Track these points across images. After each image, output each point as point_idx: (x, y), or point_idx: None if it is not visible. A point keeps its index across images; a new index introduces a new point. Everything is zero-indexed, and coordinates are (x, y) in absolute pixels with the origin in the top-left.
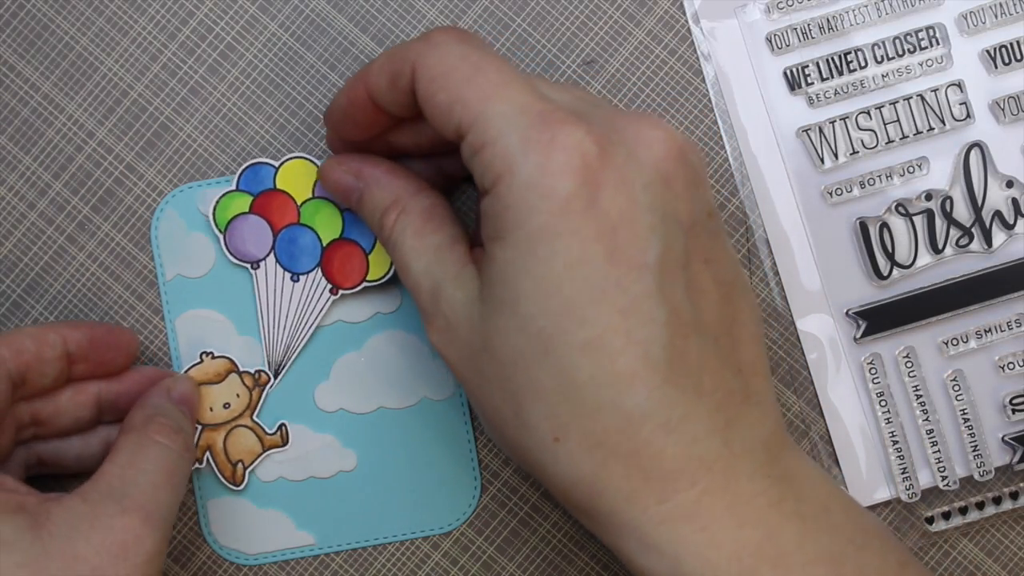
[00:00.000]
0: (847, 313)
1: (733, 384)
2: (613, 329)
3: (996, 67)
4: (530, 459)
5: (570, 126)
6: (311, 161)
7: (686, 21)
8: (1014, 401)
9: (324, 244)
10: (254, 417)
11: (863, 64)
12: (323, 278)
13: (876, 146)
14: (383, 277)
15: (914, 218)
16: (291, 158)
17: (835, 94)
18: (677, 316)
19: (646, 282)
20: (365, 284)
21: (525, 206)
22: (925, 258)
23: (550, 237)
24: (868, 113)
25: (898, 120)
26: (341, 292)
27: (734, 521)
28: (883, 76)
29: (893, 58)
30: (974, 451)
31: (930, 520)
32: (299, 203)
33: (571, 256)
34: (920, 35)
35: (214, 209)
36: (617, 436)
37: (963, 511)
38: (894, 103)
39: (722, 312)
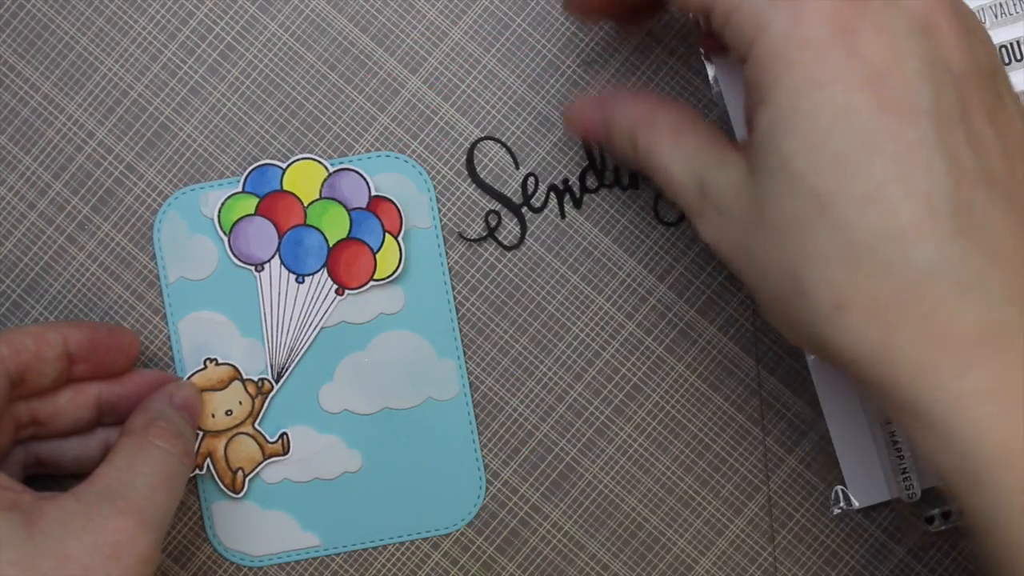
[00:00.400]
0: None
1: None
2: (891, 179)
3: None
4: (813, 334)
5: None
6: (319, 162)
7: (686, 20)
8: None
9: (331, 245)
10: (256, 425)
11: None
12: (328, 279)
13: None
14: (391, 275)
15: None
16: (298, 159)
17: None
18: (959, 165)
19: (921, 128)
20: (372, 283)
21: (782, 62)
22: None
23: (812, 88)
24: None
25: None
26: (347, 292)
27: None
28: None
29: None
30: None
31: (930, 520)
32: (306, 204)
33: (837, 106)
34: None
35: (219, 211)
36: (906, 297)
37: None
38: None
39: (1013, 171)
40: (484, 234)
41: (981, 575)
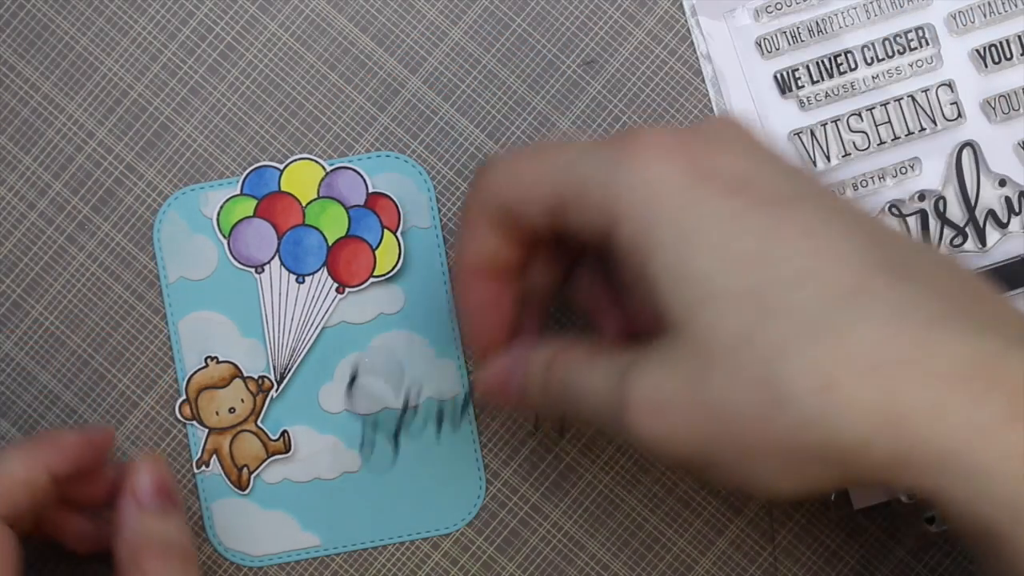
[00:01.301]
0: None
1: (969, 286)
2: (810, 253)
3: (986, 66)
4: (813, 443)
5: (641, 131)
6: (316, 162)
7: (686, 21)
8: None
9: (330, 243)
10: (258, 423)
11: (853, 66)
12: (328, 278)
13: (868, 148)
14: (391, 271)
15: (908, 219)
16: (296, 160)
17: (826, 97)
18: (857, 227)
19: (806, 207)
20: (372, 280)
21: (649, 202)
22: None
23: (689, 207)
24: (859, 115)
25: (889, 121)
26: (348, 291)
27: None
28: (873, 78)
29: (883, 59)
30: None
31: (930, 520)
32: (304, 204)
33: (721, 214)
34: (909, 36)
35: (218, 214)
36: (886, 348)
37: None
38: (885, 104)
39: (900, 235)
40: None
41: None
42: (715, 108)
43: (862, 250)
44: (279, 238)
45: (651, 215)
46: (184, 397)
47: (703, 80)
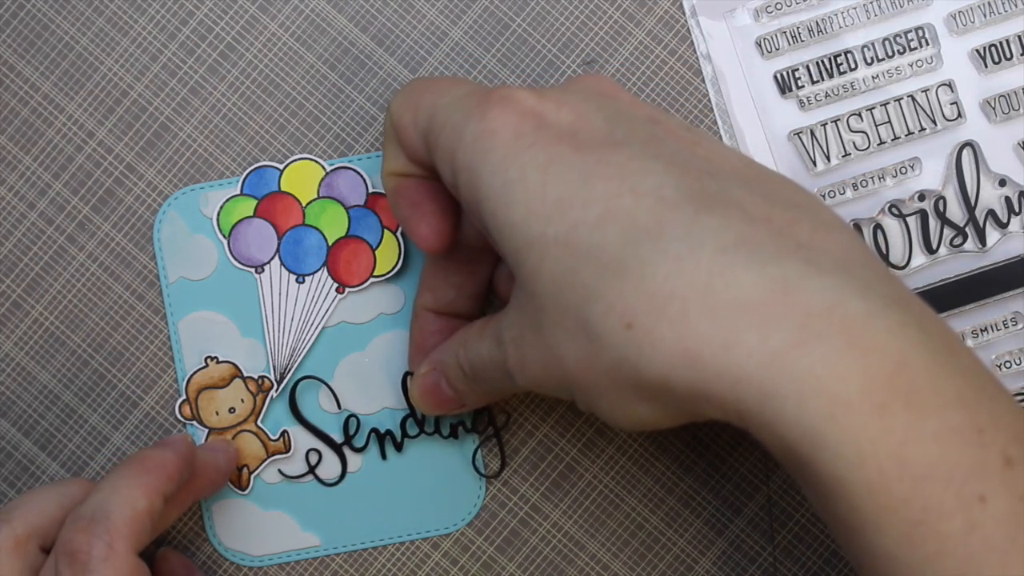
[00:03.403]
0: None
1: (791, 214)
2: (615, 194)
3: (986, 66)
4: (623, 376)
5: (502, 87)
6: (316, 162)
7: (686, 21)
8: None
9: (330, 243)
10: (258, 423)
11: (853, 66)
12: (328, 277)
13: (868, 148)
14: (391, 271)
15: (907, 219)
16: (295, 160)
17: (826, 97)
18: (676, 164)
19: (626, 150)
20: (372, 280)
21: (480, 152)
22: (919, 259)
23: (513, 156)
24: (859, 115)
25: (889, 121)
26: (348, 290)
27: (855, 348)
28: (873, 78)
29: (883, 59)
30: None
31: None
32: (304, 204)
33: (540, 162)
34: (909, 36)
35: (218, 214)
36: (679, 281)
37: None
38: (885, 104)
39: (738, 168)
40: None
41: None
42: (715, 108)
43: (665, 186)
44: (279, 238)
45: (479, 165)
46: (184, 397)
47: (703, 80)
